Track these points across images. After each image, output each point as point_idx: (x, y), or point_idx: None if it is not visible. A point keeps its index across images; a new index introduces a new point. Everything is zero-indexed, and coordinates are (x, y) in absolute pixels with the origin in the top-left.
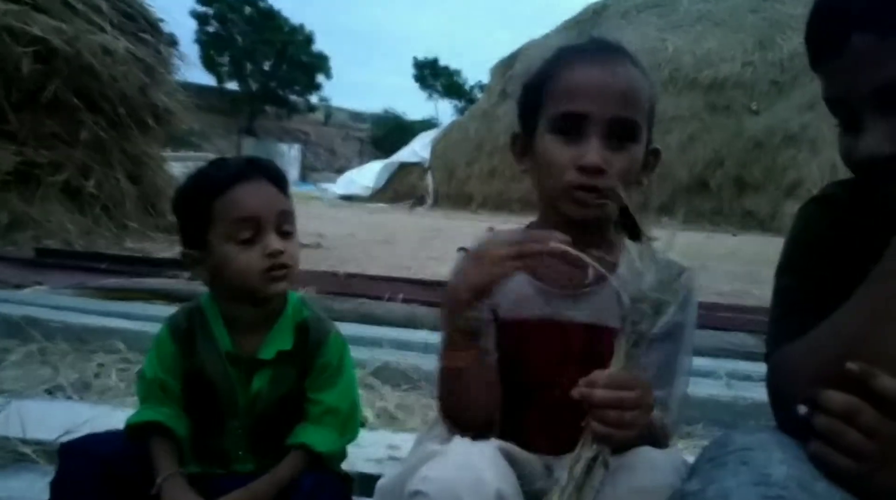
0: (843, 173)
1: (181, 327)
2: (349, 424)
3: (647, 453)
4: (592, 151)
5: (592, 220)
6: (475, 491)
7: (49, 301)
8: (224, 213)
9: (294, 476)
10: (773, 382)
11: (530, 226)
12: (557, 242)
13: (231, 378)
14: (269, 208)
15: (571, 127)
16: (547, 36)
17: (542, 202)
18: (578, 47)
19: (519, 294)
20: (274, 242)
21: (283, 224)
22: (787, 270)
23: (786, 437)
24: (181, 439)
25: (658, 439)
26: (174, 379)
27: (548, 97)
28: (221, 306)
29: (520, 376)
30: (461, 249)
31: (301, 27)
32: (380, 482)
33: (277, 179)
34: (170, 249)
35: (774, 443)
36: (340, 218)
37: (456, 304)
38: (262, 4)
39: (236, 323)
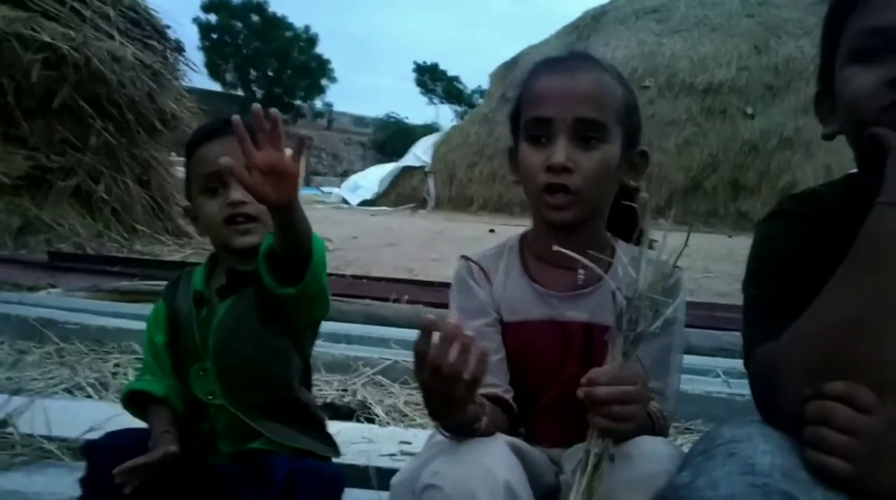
0: (837, 175)
1: (172, 282)
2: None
3: (644, 443)
4: (558, 150)
5: (573, 223)
6: (485, 483)
7: (64, 303)
8: (196, 167)
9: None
10: (758, 379)
11: (524, 235)
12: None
13: (192, 316)
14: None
15: (541, 132)
16: (546, 41)
17: (531, 211)
18: (549, 59)
19: (520, 298)
20: (234, 192)
21: None
22: (756, 281)
23: (771, 430)
24: (179, 413)
25: (657, 428)
26: (161, 333)
27: (522, 108)
28: (218, 257)
29: (525, 373)
30: (462, 256)
31: (306, 29)
32: (394, 479)
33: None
34: (179, 251)
35: (759, 435)
36: (344, 221)
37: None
38: (265, 11)
39: (226, 273)
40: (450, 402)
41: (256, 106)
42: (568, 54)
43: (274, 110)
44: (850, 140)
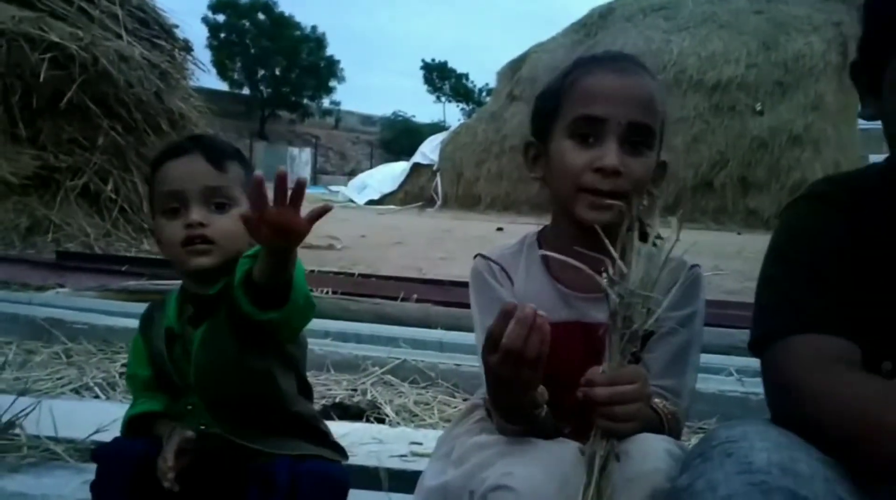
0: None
1: (146, 315)
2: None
3: (642, 440)
4: (611, 153)
5: (605, 224)
6: (562, 489)
7: (72, 303)
8: (157, 187)
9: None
10: (776, 380)
11: (542, 231)
12: (532, 309)
13: (165, 354)
14: (193, 182)
15: (589, 131)
16: (553, 39)
17: (554, 208)
18: (596, 56)
19: (543, 298)
20: (193, 214)
21: (214, 198)
22: (778, 260)
23: (767, 427)
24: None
25: (666, 427)
26: (144, 369)
27: (565, 102)
28: (183, 285)
29: (549, 373)
30: (480, 255)
31: (314, 29)
32: (428, 484)
33: (213, 155)
34: None
35: (755, 433)
36: (352, 220)
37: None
38: (273, 10)
39: (191, 300)
40: (516, 385)
41: (281, 169)
42: (617, 54)
43: (302, 178)
44: (886, 131)
